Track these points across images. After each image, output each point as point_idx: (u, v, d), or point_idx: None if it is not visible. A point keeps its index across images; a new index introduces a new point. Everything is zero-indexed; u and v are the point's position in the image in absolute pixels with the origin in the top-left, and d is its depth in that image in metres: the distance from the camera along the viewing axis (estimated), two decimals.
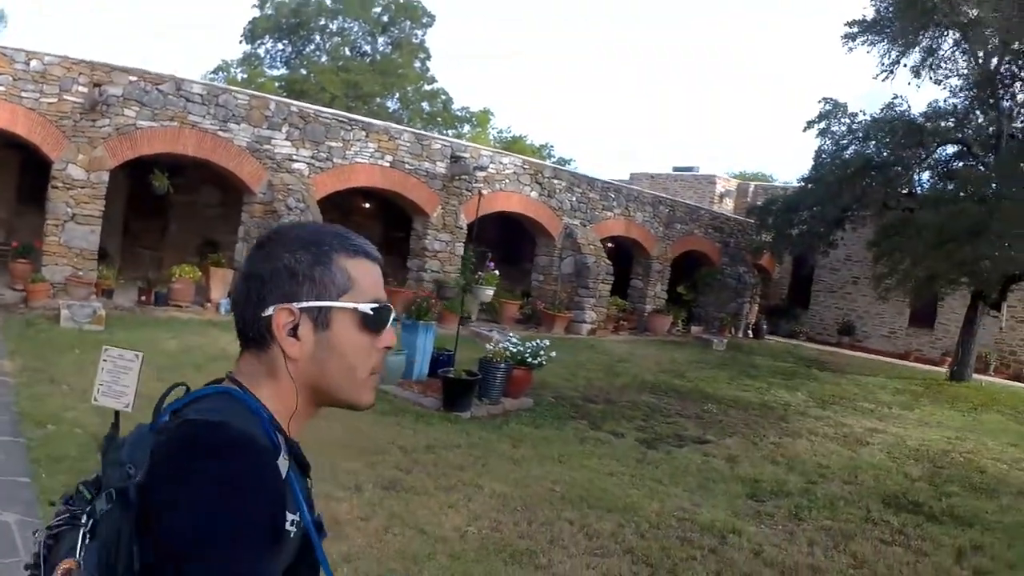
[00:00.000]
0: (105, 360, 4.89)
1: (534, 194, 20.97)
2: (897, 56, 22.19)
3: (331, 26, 46.12)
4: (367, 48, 47.29)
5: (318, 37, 45.96)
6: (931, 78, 22.37)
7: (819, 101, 23.99)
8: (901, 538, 7.21)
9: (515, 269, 23.22)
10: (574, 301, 20.96)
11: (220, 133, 15.83)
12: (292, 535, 1.22)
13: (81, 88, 14.70)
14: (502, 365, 11.25)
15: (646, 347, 20.21)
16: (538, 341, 12.09)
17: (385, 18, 45.88)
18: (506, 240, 23.36)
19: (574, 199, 21.79)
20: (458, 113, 49.21)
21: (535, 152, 50.09)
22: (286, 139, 16.71)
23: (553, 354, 12.07)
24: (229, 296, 15.81)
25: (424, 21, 46.34)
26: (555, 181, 21.46)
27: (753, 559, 6.22)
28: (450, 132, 48.65)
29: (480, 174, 19.62)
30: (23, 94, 14.25)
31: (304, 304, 1.29)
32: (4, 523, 5.26)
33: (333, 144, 17.36)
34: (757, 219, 25.66)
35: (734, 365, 18.85)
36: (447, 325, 17.31)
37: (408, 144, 18.57)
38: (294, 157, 16.71)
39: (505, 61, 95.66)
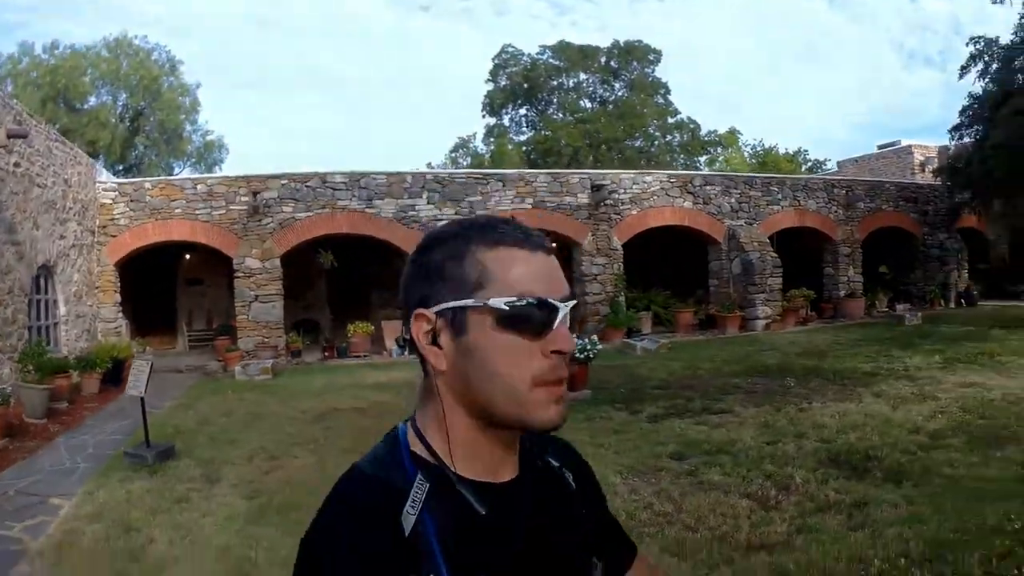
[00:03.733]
0: (133, 368, 6.96)
1: (687, 204, 20.86)
2: None
3: (568, 83, 47.12)
4: (607, 95, 47.63)
5: (556, 96, 47.08)
6: None
7: (967, 43, 21.30)
8: (761, 490, 6.70)
9: (691, 278, 22.63)
10: (746, 299, 20.14)
11: (367, 210, 17.13)
12: None
13: (243, 198, 16.86)
14: None
15: (819, 334, 19.14)
16: (588, 340, 12.25)
17: (614, 64, 46.14)
18: (675, 253, 22.83)
19: (733, 201, 21.35)
20: (706, 139, 48.13)
21: (790, 161, 48.09)
22: (427, 203, 17.99)
23: (599, 348, 12.37)
24: (396, 342, 17.16)
25: (651, 59, 46.38)
26: (708, 188, 21.20)
27: None
28: (703, 159, 48.15)
29: (623, 196, 19.62)
30: (197, 212, 16.64)
31: (438, 307, 1.07)
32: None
33: (473, 199, 18.35)
34: (946, 179, 23.18)
35: (900, 338, 17.28)
36: (611, 341, 17.70)
37: (546, 184, 19.28)
38: (438, 217, 17.87)
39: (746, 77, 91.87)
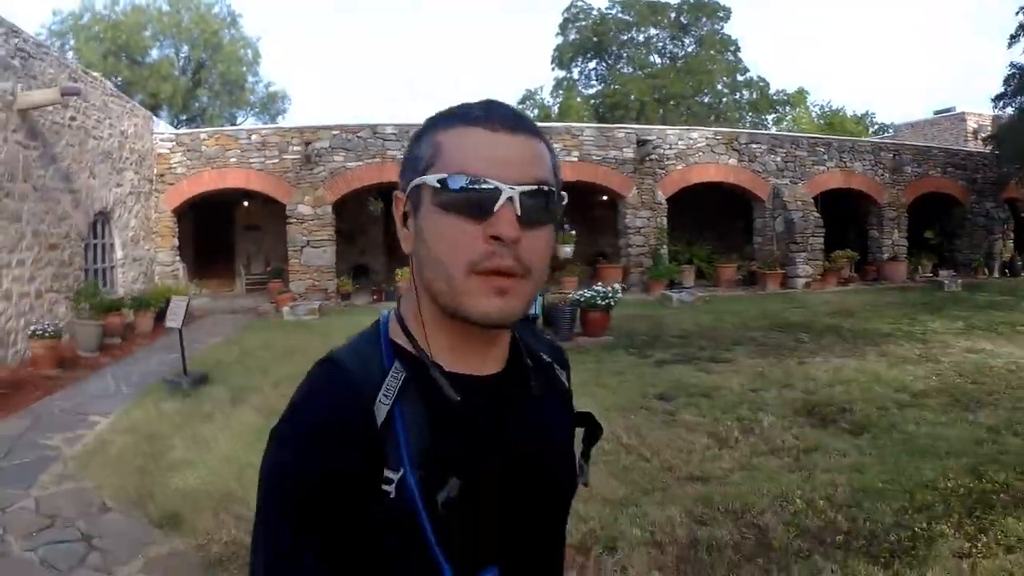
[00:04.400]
0: (172, 304, 8.22)
1: (732, 161, 21.04)
2: None
3: (639, 37, 46.70)
4: (677, 51, 47.03)
5: (626, 51, 46.71)
6: None
7: (1017, 12, 20.76)
8: (725, 431, 7.17)
9: (736, 234, 22.84)
10: (788, 258, 20.32)
11: None
12: (393, 497, 0.96)
13: (296, 148, 17.64)
14: (567, 308, 12.39)
15: (856, 295, 19.26)
16: (611, 288, 12.91)
17: (683, 19, 45.56)
18: (721, 209, 23.02)
19: (778, 159, 21.42)
20: (775, 98, 47.37)
21: (857, 123, 47.18)
22: None
23: (620, 296, 13.03)
24: None
25: (720, 15, 45.51)
26: (753, 146, 21.32)
27: None
28: (770, 118, 47.53)
29: (668, 151, 19.92)
30: (251, 161, 17.50)
31: (406, 189, 1.06)
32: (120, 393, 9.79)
33: None
34: (994, 148, 22.75)
35: (933, 303, 17.24)
36: (652, 292, 18.13)
37: (592, 138, 19.61)
38: None
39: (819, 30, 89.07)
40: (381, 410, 0.98)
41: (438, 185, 0.99)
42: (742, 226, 22.53)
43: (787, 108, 48.82)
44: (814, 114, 49.22)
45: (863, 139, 25.10)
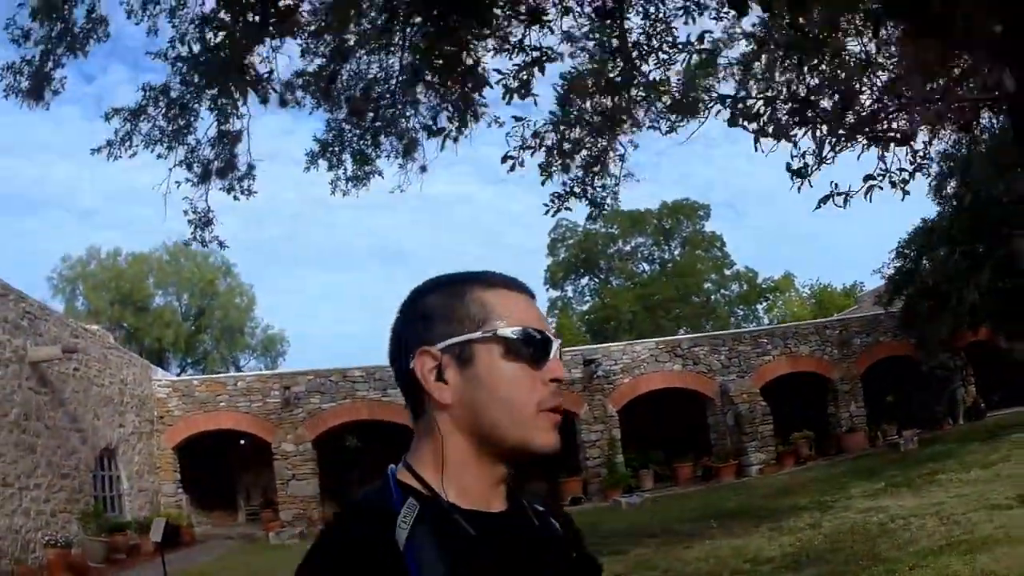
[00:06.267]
0: (154, 523, 14.15)
1: (677, 367, 22.95)
2: None
3: (625, 248, 49.38)
4: (664, 256, 49.62)
5: (614, 262, 49.34)
6: None
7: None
8: None
9: (693, 431, 24.17)
10: (741, 448, 21.98)
11: (382, 399, 20.06)
12: None
13: (276, 392, 20.12)
14: None
15: (806, 473, 20.41)
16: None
17: (665, 224, 48.22)
18: (678, 407, 24.44)
19: (722, 358, 23.30)
20: (763, 286, 49.39)
21: (847, 296, 48.78)
22: None
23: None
24: None
25: (700, 214, 48.18)
26: (696, 349, 23.30)
27: None
28: (761, 307, 48.96)
29: (614, 366, 22.11)
30: (238, 404, 20.07)
31: (442, 344, 1.13)
32: None
33: None
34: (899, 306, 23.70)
35: (874, 468, 17.93)
36: (609, 499, 19.55)
37: None
38: None
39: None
40: (401, 535, 1.04)
41: (514, 337, 1.13)
42: (698, 422, 23.93)
43: (776, 294, 50.45)
44: (805, 294, 50.60)
45: (805, 322, 26.61)
